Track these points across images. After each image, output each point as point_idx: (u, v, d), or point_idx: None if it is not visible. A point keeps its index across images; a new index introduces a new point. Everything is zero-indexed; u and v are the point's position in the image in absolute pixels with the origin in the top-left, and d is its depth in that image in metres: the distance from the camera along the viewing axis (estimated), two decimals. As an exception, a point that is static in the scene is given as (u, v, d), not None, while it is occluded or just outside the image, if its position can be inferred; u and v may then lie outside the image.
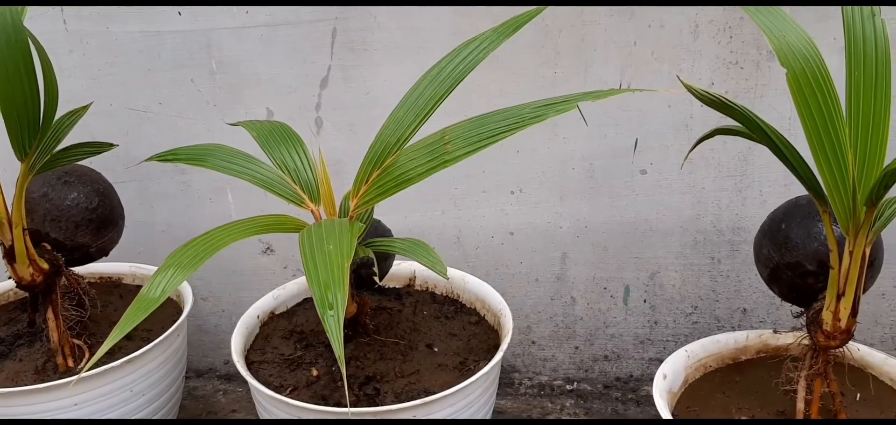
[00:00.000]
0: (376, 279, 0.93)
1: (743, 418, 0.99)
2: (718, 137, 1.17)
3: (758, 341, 1.10)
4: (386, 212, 1.31)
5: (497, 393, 1.37)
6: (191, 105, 1.30)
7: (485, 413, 1.06)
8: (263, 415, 1.05)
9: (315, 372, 1.05)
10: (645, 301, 1.30)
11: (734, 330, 1.22)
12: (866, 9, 0.80)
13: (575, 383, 1.36)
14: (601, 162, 1.24)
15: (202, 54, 1.26)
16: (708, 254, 1.25)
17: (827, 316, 0.89)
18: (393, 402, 0.98)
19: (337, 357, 0.67)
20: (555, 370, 1.37)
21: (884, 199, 0.86)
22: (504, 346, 1.03)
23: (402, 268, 1.25)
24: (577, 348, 1.35)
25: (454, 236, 1.31)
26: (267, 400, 1.00)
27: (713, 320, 1.29)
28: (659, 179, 1.23)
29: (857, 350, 1.03)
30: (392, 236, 1.15)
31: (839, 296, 0.87)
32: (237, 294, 1.41)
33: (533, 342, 1.36)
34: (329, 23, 1.22)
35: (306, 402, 0.99)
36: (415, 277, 1.25)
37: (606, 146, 1.23)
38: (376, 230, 1.12)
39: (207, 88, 1.28)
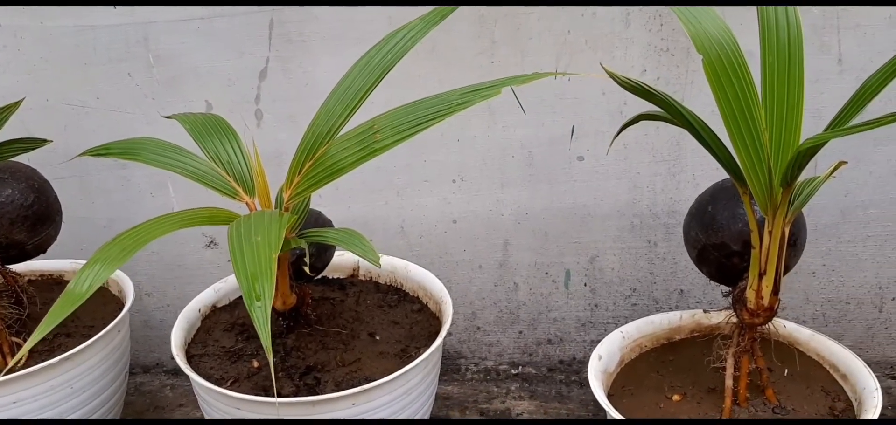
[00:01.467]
0: (307, 270, 0.93)
1: (675, 398, 1.02)
2: (651, 124, 1.20)
3: (691, 321, 1.13)
4: (330, 202, 1.32)
5: (443, 380, 1.39)
6: (129, 99, 1.29)
7: (426, 399, 1.08)
8: (204, 409, 1.05)
9: (256, 364, 1.06)
10: (585, 285, 1.33)
11: (672, 311, 1.25)
12: (780, -6, 0.83)
13: (520, 367, 1.39)
14: (540, 149, 1.26)
15: (139, 48, 1.25)
16: (645, 238, 1.28)
17: (750, 294, 0.92)
18: (333, 391, 0.99)
19: (264, 348, 0.68)
20: (500, 355, 1.39)
21: (801, 180, 0.89)
22: (443, 333, 1.05)
23: (346, 258, 1.26)
24: (520, 333, 1.37)
25: (398, 225, 1.32)
26: (206, 392, 1.00)
27: (651, 302, 1.32)
28: (596, 165, 1.25)
29: (784, 326, 1.07)
30: (332, 226, 1.16)
31: (761, 275, 0.90)
32: (182, 288, 1.40)
33: (478, 328, 1.38)
34: (266, 14, 1.22)
35: (246, 394, 1.00)
36: (358, 267, 1.26)
37: (544, 133, 1.24)
38: (316, 221, 1.13)
39: (145, 82, 1.27)
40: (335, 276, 1.25)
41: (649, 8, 1.16)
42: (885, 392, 1.28)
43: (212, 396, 0.99)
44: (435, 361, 1.07)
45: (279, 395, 0.99)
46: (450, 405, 1.33)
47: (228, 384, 1.01)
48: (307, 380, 1.02)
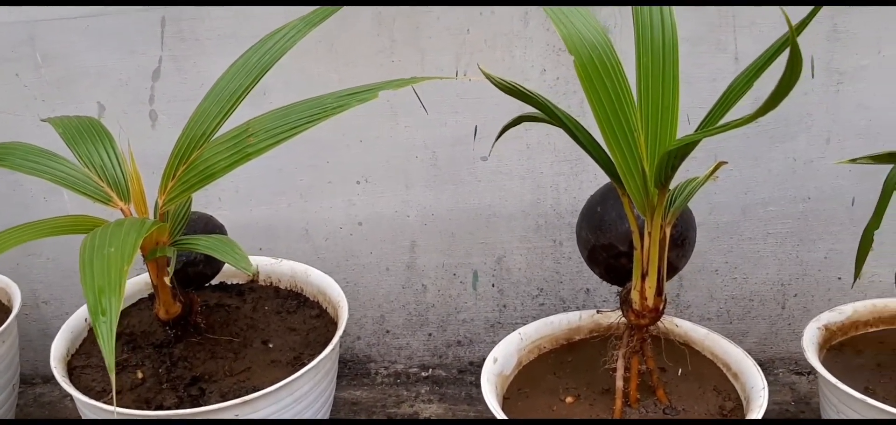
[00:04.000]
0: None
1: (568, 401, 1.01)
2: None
3: (590, 321, 1.13)
4: (230, 205, 1.28)
5: (353, 384, 1.37)
6: (17, 100, 1.23)
7: (321, 405, 1.05)
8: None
9: (140, 375, 1.02)
10: (493, 285, 1.31)
11: (580, 310, 1.24)
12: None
13: (430, 369, 1.37)
14: (443, 150, 1.24)
15: (25, 47, 1.20)
16: (550, 237, 1.27)
17: (635, 295, 0.91)
18: (218, 402, 0.96)
19: (107, 366, 0.65)
20: (410, 358, 1.37)
21: (681, 182, 0.89)
22: (334, 340, 1.03)
23: (245, 262, 1.23)
24: (430, 335, 1.35)
25: (302, 228, 1.30)
26: (84, 406, 0.96)
27: (559, 301, 1.31)
28: (499, 165, 1.24)
29: (676, 326, 1.07)
30: (224, 231, 1.13)
31: (643, 276, 0.89)
32: (80, 297, 1.35)
33: (387, 331, 1.36)
34: (158, 12, 1.18)
35: (128, 407, 0.97)
36: (258, 272, 1.23)
37: (447, 134, 1.23)
38: (205, 226, 1.09)
39: (33, 83, 1.22)
40: (234, 282, 1.22)
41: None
42: (790, 388, 1.30)
43: (89, 410, 0.96)
44: (327, 368, 1.04)
45: (161, 408, 0.96)
46: (357, 411, 1.31)
47: (108, 397, 0.97)
48: (192, 391, 0.99)
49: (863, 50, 1.14)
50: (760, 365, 1.32)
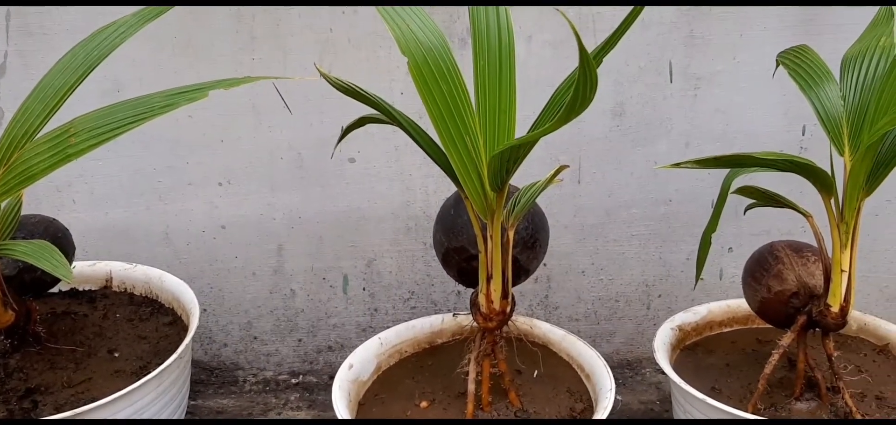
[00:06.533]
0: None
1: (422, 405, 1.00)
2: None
3: (453, 324, 1.12)
4: (86, 208, 1.23)
5: (220, 393, 1.32)
6: None
7: (168, 415, 1.01)
8: None
9: (-31, 389, 0.96)
10: (364, 289, 1.29)
11: (434, 315, 1.23)
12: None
13: (300, 376, 1.34)
14: (309, 151, 1.21)
15: None
16: (420, 240, 1.26)
17: (481, 298, 0.90)
18: (52, 414, 0.91)
19: None
20: (279, 364, 1.34)
21: (527, 184, 0.89)
22: (180, 349, 0.99)
23: (98, 268, 1.17)
24: (300, 341, 1.32)
25: (162, 232, 1.25)
26: None
27: (430, 304, 1.30)
28: (367, 167, 1.22)
29: (532, 327, 1.07)
30: (69, 236, 1.07)
31: (489, 279, 0.89)
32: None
33: (255, 338, 1.32)
34: (1, 5, 1.11)
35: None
36: (111, 278, 1.17)
37: (313, 135, 1.20)
38: (46, 229, 1.04)
39: None
40: (86, 288, 1.17)
41: (410, 7, 1.13)
42: (656, 387, 1.32)
43: None
44: (174, 378, 1.00)
45: (-12, 423, 0.91)
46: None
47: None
48: (24, 404, 0.94)
49: (718, 56, 1.17)
50: (628, 365, 1.35)
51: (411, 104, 1.10)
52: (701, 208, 1.24)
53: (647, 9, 1.14)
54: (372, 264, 1.28)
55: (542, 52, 1.16)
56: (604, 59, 1.17)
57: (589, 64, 0.60)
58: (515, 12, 1.13)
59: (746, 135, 1.20)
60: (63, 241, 1.06)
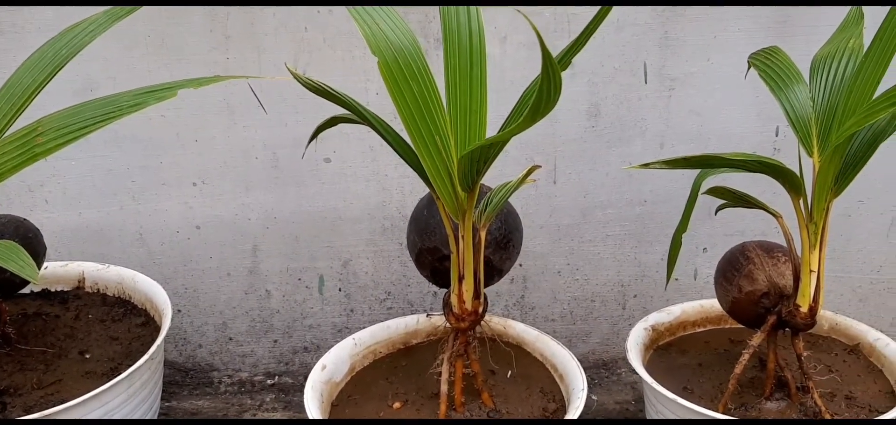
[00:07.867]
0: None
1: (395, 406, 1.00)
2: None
3: (428, 324, 1.12)
4: (58, 208, 1.22)
5: (195, 394, 1.31)
6: None
7: (140, 416, 1.00)
8: None
9: (-65, 391, 0.95)
10: (340, 289, 1.29)
11: (410, 315, 1.23)
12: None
13: (276, 377, 1.33)
14: (284, 151, 1.21)
15: None
16: (396, 240, 1.26)
17: (453, 299, 0.90)
18: (20, 416, 0.90)
19: None
20: (255, 365, 1.33)
21: (499, 184, 0.89)
22: (151, 350, 0.98)
23: (71, 269, 1.17)
24: (275, 342, 1.32)
25: (136, 233, 1.24)
26: None
27: (406, 304, 1.30)
28: (343, 167, 1.22)
29: (506, 327, 1.07)
30: (39, 235, 1.06)
31: (461, 279, 0.89)
32: None
33: (230, 338, 1.31)
34: (-30, 2, 1.10)
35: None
36: (84, 278, 1.16)
37: (288, 135, 1.20)
38: (16, 230, 1.03)
39: None
40: (58, 289, 1.16)
41: (385, 7, 1.13)
42: (632, 387, 1.32)
43: None
44: (145, 379, 0.99)
45: (-46, 425, 0.90)
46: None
47: None
48: (-8, 407, 0.93)
49: (692, 57, 1.18)
50: (603, 365, 1.36)
51: (387, 104, 1.10)
52: (676, 209, 1.24)
53: (621, 10, 1.15)
54: (348, 264, 1.28)
55: (517, 53, 1.16)
56: (578, 61, 1.17)
57: (552, 66, 0.60)
58: (491, 13, 1.14)
59: (720, 136, 1.21)
60: (34, 242, 1.05)
